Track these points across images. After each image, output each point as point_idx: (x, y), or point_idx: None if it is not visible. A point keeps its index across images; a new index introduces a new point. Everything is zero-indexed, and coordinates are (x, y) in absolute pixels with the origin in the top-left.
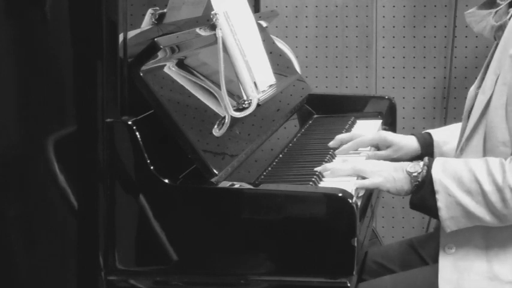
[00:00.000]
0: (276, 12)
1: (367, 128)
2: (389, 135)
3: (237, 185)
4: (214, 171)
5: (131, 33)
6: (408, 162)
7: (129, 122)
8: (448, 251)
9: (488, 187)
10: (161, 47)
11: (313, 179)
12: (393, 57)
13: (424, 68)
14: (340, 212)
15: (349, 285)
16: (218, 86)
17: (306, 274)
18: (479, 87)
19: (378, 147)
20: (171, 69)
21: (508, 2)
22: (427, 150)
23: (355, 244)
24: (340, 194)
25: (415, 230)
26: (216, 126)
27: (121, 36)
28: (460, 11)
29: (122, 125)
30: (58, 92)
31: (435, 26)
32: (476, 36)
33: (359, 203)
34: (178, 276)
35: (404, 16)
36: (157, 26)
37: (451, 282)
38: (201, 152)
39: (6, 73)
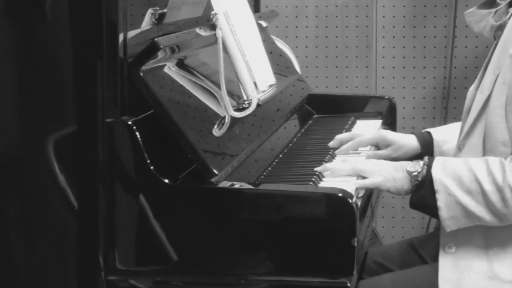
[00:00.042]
0: (276, 12)
1: (367, 128)
2: (389, 134)
3: (237, 185)
4: (214, 171)
5: (131, 33)
6: (408, 162)
7: (129, 122)
8: (448, 251)
9: (488, 186)
10: (161, 47)
11: (313, 179)
12: (393, 57)
13: (424, 68)
14: (340, 212)
15: (349, 285)
16: (218, 86)
17: (306, 274)
18: (478, 87)
19: (377, 147)
20: (171, 69)
21: (507, 1)
22: (426, 149)
23: (355, 244)
24: (340, 194)
25: (415, 230)
26: (216, 126)
27: (121, 36)
28: (460, 11)
29: (121, 125)
30: (58, 92)
31: (435, 26)
32: (476, 36)
33: (359, 203)
34: (178, 276)
35: (404, 16)
36: (157, 26)
37: (451, 281)
38: (201, 152)
39: (6, 73)
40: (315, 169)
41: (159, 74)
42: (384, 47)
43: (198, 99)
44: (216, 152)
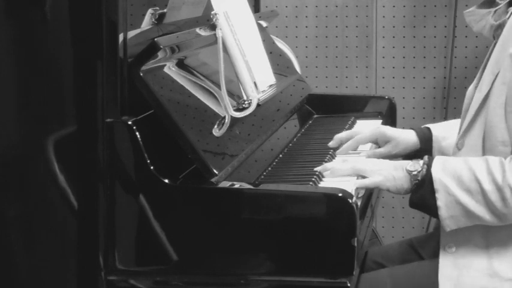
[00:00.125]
0: (276, 12)
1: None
2: (389, 130)
3: (237, 185)
4: (214, 171)
5: (131, 33)
6: (408, 161)
7: (129, 122)
8: (448, 250)
9: (488, 186)
10: (161, 47)
11: (313, 179)
12: (393, 57)
13: (424, 68)
14: (340, 212)
15: (349, 285)
16: (218, 86)
17: (306, 274)
18: (477, 86)
19: (377, 143)
20: (171, 69)
21: (507, 1)
22: (426, 144)
23: (355, 244)
24: (340, 194)
25: (415, 230)
26: (216, 126)
27: (121, 36)
28: (460, 11)
29: (122, 125)
30: (58, 92)
31: (435, 26)
32: (476, 36)
33: (359, 203)
34: (178, 276)
35: (404, 16)
36: (157, 26)
37: (451, 279)
38: (201, 152)
39: (6, 73)
40: (315, 169)
41: (159, 74)
42: (383, 47)
43: (198, 99)
44: (216, 152)
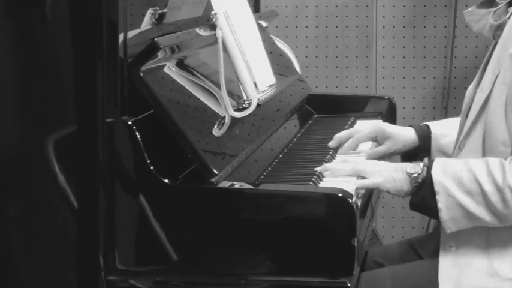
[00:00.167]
0: (276, 12)
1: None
2: (388, 127)
3: (237, 185)
4: (214, 171)
5: (131, 33)
6: (408, 163)
7: (129, 122)
8: (448, 249)
9: (489, 187)
10: (161, 47)
11: (313, 179)
12: (393, 57)
13: (424, 68)
14: (340, 212)
15: (349, 285)
16: (218, 86)
17: (306, 274)
18: (477, 86)
19: (376, 140)
20: (171, 69)
21: (507, 1)
22: (424, 142)
23: (355, 244)
24: (340, 194)
25: (415, 230)
26: (216, 126)
27: (121, 36)
28: (460, 11)
29: (121, 125)
30: (58, 92)
31: (435, 26)
32: (476, 36)
33: (359, 203)
34: (178, 276)
35: (404, 16)
36: (157, 26)
37: (451, 278)
38: (201, 152)
39: (6, 73)
40: (315, 169)
41: (159, 74)
42: (383, 47)
43: (198, 99)
44: (216, 152)
